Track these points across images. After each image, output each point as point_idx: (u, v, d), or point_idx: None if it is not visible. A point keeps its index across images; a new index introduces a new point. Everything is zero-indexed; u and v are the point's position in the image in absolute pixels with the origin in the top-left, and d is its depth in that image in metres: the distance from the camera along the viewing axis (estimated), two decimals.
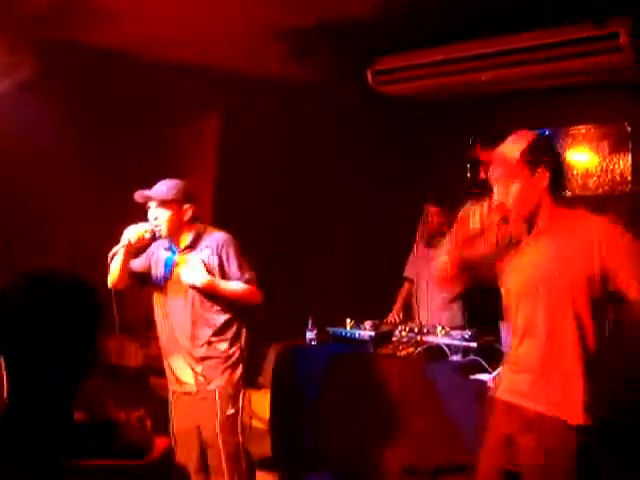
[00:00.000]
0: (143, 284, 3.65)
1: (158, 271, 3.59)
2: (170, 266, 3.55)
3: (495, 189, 2.67)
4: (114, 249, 3.41)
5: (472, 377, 3.95)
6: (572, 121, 5.28)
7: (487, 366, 3.98)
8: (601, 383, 2.58)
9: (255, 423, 5.14)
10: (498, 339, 4.14)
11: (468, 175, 5.63)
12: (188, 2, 4.12)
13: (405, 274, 5.49)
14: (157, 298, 3.62)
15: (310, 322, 4.70)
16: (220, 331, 3.51)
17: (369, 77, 5.14)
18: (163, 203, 3.44)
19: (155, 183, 3.50)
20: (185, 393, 3.58)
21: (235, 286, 3.49)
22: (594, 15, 4.30)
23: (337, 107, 5.51)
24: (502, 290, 2.79)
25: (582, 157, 5.31)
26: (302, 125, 5.41)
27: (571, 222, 2.60)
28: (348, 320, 4.65)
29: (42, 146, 4.63)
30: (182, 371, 3.56)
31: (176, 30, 4.46)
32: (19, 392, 1.39)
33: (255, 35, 4.68)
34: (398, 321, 5.05)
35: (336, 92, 5.49)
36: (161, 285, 3.58)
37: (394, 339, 4.45)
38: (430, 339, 4.31)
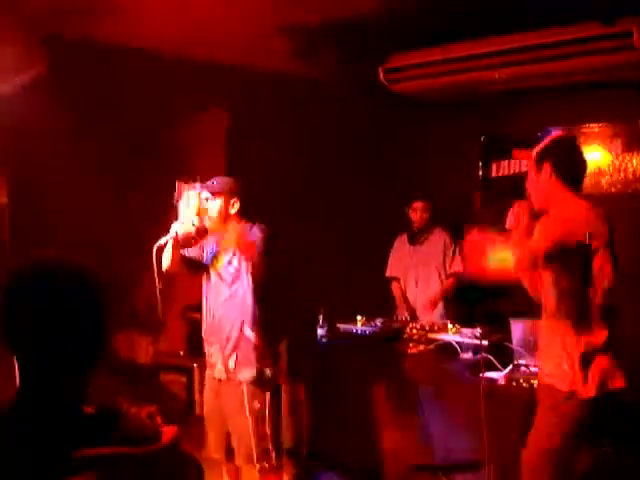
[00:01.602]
0: (196, 271, 3.83)
1: (206, 260, 3.80)
2: (211, 257, 3.77)
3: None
4: (160, 241, 3.58)
5: (483, 375, 3.95)
6: (585, 119, 5.26)
7: (498, 364, 3.98)
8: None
9: None
10: (509, 337, 4.13)
11: (480, 173, 5.62)
12: (195, 1, 4.13)
13: (390, 273, 5.50)
14: (204, 286, 3.83)
15: (321, 319, 4.70)
16: (253, 323, 3.66)
17: (380, 75, 5.13)
18: (214, 194, 3.67)
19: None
20: (215, 378, 3.76)
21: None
22: (607, 13, 4.29)
23: (344, 106, 5.50)
24: None
25: (595, 155, 5.29)
26: (308, 123, 5.42)
27: (566, 209, 2.92)
28: (359, 317, 4.66)
29: (52, 143, 4.64)
30: (215, 357, 3.74)
31: (183, 28, 4.47)
32: (25, 384, 1.40)
33: (264, 33, 4.69)
34: (408, 319, 5.06)
35: (344, 90, 5.49)
36: (207, 273, 3.79)
37: (405, 337, 4.45)
38: (441, 337, 4.31)
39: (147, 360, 5.78)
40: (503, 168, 5.54)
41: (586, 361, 2.87)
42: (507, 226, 3.06)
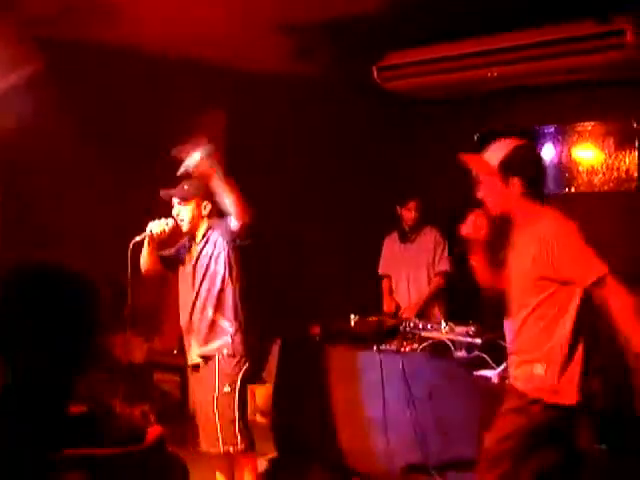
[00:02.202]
0: (171, 269, 3.95)
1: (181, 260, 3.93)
2: (183, 254, 3.89)
3: (479, 191, 2.96)
4: (136, 238, 3.74)
5: (476, 373, 3.96)
6: (578, 117, 5.27)
7: (491, 362, 3.98)
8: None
9: (259, 418, 5.15)
10: (502, 335, 4.14)
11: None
12: (191, 1, 4.12)
13: (382, 271, 5.52)
14: (180, 282, 3.94)
15: (314, 317, 4.71)
16: (221, 309, 3.76)
17: (374, 73, 5.13)
18: (184, 200, 3.78)
19: (164, 180, 3.83)
20: (193, 368, 3.88)
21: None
22: (600, 12, 4.30)
23: (341, 105, 5.50)
24: None
25: (588, 154, 5.30)
26: (306, 122, 5.42)
27: (535, 220, 2.84)
28: (352, 316, 4.65)
29: (48, 142, 4.63)
30: (192, 348, 3.85)
31: (180, 29, 4.47)
32: (12, 383, 1.39)
33: (260, 33, 4.69)
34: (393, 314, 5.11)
35: (341, 89, 5.49)
36: (182, 270, 3.91)
37: (399, 335, 4.45)
38: (434, 335, 4.31)
39: (141, 359, 5.77)
40: None
41: (560, 369, 2.85)
42: (464, 234, 3.04)
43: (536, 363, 2.88)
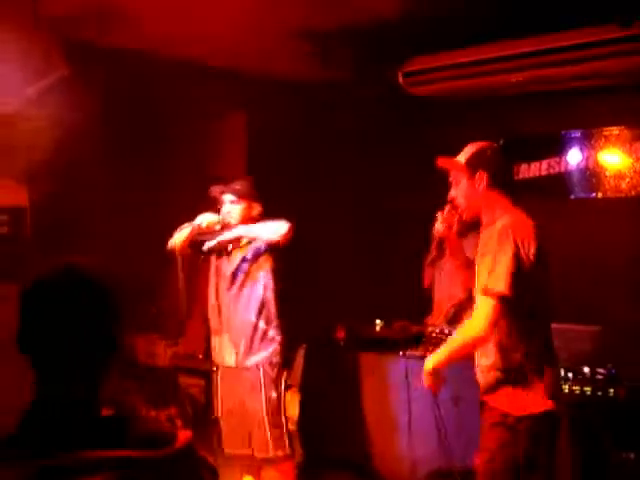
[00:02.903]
0: (201, 254, 3.98)
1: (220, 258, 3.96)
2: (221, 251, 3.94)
3: (450, 193, 3.04)
4: (184, 225, 3.82)
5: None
6: (605, 122, 5.22)
7: None
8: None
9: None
10: None
11: None
12: (215, 4, 4.14)
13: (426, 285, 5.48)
14: (211, 281, 3.99)
15: (339, 323, 4.70)
16: (265, 316, 3.83)
17: (399, 78, 5.12)
18: (238, 198, 3.85)
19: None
20: (227, 368, 3.93)
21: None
22: (624, 16, 4.26)
23: (363, 108, 5.50)
24: None
25: (615, 159, 5.24)
26: (327, 126, 5.43)
27: (497, 219, 2.89)
28: (378, 321, 4.64)
29: (76, 145, 4.68)
30: (226, 347, 3.90)
31: (202, 35, 4.49)
32: (40, 387, 1.41)
33: (283, 37, 4.70)
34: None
35: (364, 93, 5.48)
36: (217, 267, 3.97)
37: (424, 340, 4.44)
38: None
39: (166, 363, 5.80)
40: (523, 171, 5.51)
41: (523, 380, 2.83)
42: (436, 233, 3.16)
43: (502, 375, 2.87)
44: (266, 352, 3.82)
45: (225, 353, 3.92)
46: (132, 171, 5.19)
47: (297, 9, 4.31)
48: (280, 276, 3.91)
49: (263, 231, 3.80)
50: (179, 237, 3.84)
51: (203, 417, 5.05)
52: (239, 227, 3.85)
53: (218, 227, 3.84)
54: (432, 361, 2.93)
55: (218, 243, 3.84)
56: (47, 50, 4.21)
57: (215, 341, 3.99)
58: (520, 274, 2.74)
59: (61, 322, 1.41)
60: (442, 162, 3.05)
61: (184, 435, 1.41)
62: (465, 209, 3.01)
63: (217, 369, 4.06)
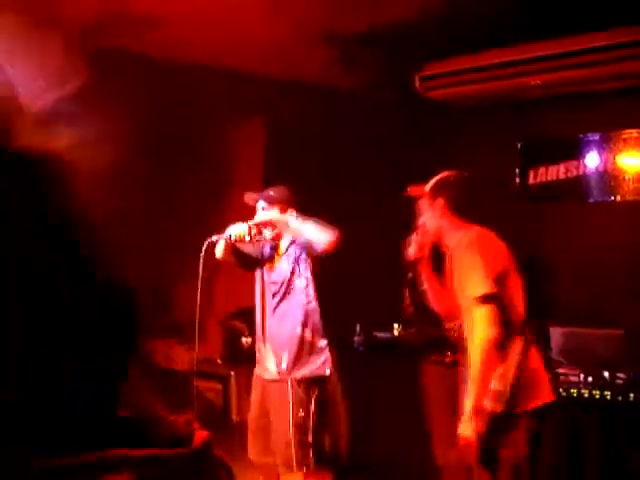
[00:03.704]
0: (246, 265, 3.96)
1: (261, 257, 3.94)
2: (267, 258, 3.90)
3: (421, 217, 3.26)
4: (212, 238, 3.74)
5: None
6: (624, 125, 5.18)
7: None
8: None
9: None
10: (547, 345, 4.09)
11: (517, 180, 5.58)
12: (234, 9, 4.16)
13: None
14: (257, 287, 3.95)
15: (358, 327, 4.70)
16: (311, 326, 3.77)
17: (417, 82, 5.12)
18: (270, 204, 3.81)
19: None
20: (266, 379, 3.84)
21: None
22: None
23: (382, 113, 5.50)
24: None
25: (634, 161, 5.20)
26: (346, 131, 5.43)
27: (459, 242, 3.08)
28: (396, 325, 4.64)
29: (96, 152, 4.71)
30: (268, 357, 3.83)
31: (223, 37, 4.50)
32: (63, 388, 1.43)
33: (302, 42, 4.71)
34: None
35: (381, 98, 5.49)
36: (261, 276, 3.92)
37: (442, 345, 4.42)
38: None
39: (184, 367, 5.82)
40: (541, 175, 5.48)
41: None
42: (409, 256, 3.25)
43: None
44: (315, 365, 3.76)
45: (268, 363, 3.84)
46: (153, 177, 5.22)
47: (317, 13, 4.33)
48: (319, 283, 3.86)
49: (312, 232, 3.71)
50: (219, 248, 3.82)
51: (221, 421, 5.07)
52: (289, 218, 3.79)
53: (247, 238, 3.76)
54: (469, 428, 2.86)
55: (249, 227, 3.75)
56: (67, 57, 4.25)
57: (259, 351, 3.93)
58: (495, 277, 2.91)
59: (82, 326, 1.43)
60: (411, 190, 3.29)
61: (201, 435, 1.42)
62: (431, 236, 3.23)
63: (235, 374, 4.04)
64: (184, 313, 5.88)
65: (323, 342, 3.79)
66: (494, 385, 2.86)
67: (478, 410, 2.82)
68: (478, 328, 2.85)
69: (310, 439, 3.72)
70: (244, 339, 4.98)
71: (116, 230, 4.99)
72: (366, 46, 4.89)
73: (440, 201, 3.18)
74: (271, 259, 3.89)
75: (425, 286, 3.29)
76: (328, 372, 3.76)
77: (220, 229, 3.86)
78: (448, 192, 3.20)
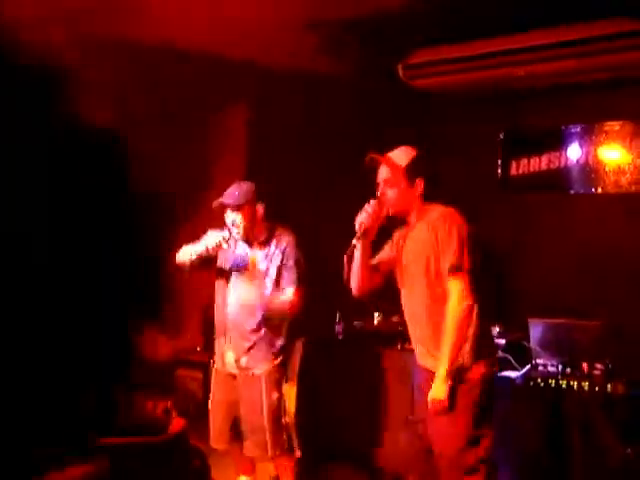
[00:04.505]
0: (204, 267, 3.93)
1: (227, 260, 3.91)
2: (244, 259, 3.86)
3: (381, 189, 3.25)
4: (194, 248, 3.77)
5: (500, 374, 3.93)
6: (606, 117, 5.19)
7: (515, 363, 3.95)
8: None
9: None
10: (527, 336, 4.11)
11: (499, 171, 5.58)
12: None
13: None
14: (219, 284, 3.95)
15: (338, 316, 4.70)
16: (265, 319, 3.80)
17: (400, 71, 5.11)
18: (238, 207, 3.79)
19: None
20: (228, 374, 3.87)
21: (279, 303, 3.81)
22: (630, 10, 4.24)
23: (365, 101, 5.48)
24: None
25: (615, 154, 5.22)
26: (331, 119, 5.41)
27: (427, 214, 3.18)
28: (376, 314, 4.65)
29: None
30: (228, 353, 3.86)
31: (206, 26, 4.47)
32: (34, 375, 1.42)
33: (286, 28, 4.68)
34: None
35: (365, 85, 5.47)
36: (226, 273, 3.91)
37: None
38: None
39: (167, 357, 5.81)
40: (523, 166, 5.49)
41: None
42: (359, 223, 3.17)
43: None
44: (269, 353, 3.80)
45: (226, 355, 3.87)
46: (136, 165, 5.17)
47: (300, 1, 4.30)
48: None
49: (274, 303, 3.79)
50: (185, 255, 3.81)
51: (201, 409, 5.06)
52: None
53: (225, 246, 3.79)
54: (443, 390, 2.98)
55: (223, 238, 3.79)
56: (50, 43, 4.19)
57: (219, 344, 3.94)
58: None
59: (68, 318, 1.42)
60: (381, 160, 3.27)
61: (177, 423, 1.41)
62: (396, 209, 3.23)
63: (214, 364, 4.04)
64: (165, 303, 5.86)
65: (281, 341, 3.84)
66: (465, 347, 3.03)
67: (451, 373, 2.96)
68: (455, 297, 3.00)
69: (284, 422, 3.80)
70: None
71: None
72: (351, 33, 4.86)
73: (420, 182, 3.20)
74: (241, 267, 3.87)
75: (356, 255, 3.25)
76: (278, 361, 3.81)
77: (204, 219, 3.87)
78: (425, 172, 3.24)
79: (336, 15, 4.57)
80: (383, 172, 3.26)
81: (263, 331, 3.79)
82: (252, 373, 3.78)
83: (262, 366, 3.78)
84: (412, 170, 3.21)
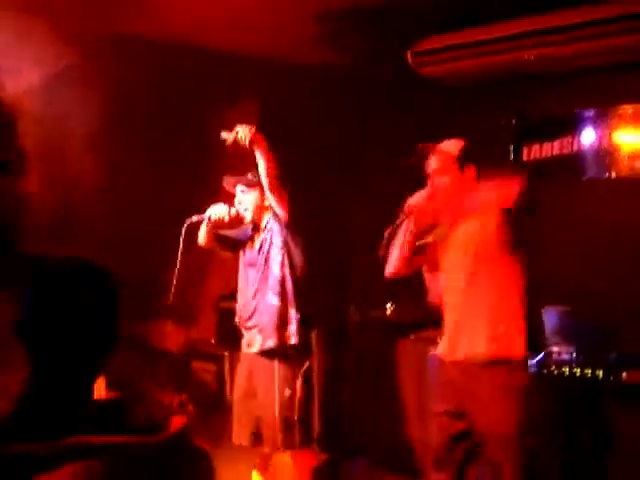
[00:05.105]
0: (230, 249, 4.03)
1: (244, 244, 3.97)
2: (245, 241, 3.94)
3: (432, 179, 3.30)
4: (193, 218, 3.83)
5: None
6: (620, 100, 5.12)
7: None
8: None
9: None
10: (540, 324, 4.08)
11: (511, 157, 5.52)
12: None
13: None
14: (240, 269, 4.00)
15: (352, 307, 4.69)
16: (280, 292, 3.80)
17: (409, 58, 5.06)
18: (249, 187, 3.85)
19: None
20: (253, 355, 3.87)
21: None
22: None
23: (374, 92, 5.44)
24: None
25: (630, 138, 5.13)
26: (339, 110, 5.38)
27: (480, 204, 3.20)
28: (389, 305, 4.62)
29: (86, 134, 4.68)
30: (251, 335, 3.87)
31: (212, 19, 4.47)
32: (37, 373, 1.41)
33: (292, 19, 4.66)
34: None
35: (373, 76, 5.43)
36: (243, 257, 3.98)
37: (435, 323, 4.41)
38: None
39: (179, 349, 5.82)
40: (535, 151, 5.43)
41: None
42: (408, 205, 3.28)
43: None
44: (283, 335, 3.78)
45: (252, 340, 3.87)
46: (145, 161, 5.18)
47: None
48: (297, 252, 3.87)
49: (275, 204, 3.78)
50: (201, 234, 3.88)
51: (215, 401, 5.07)
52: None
53: (227, 219, 3.82)
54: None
55: (228, 208, 3.84)
56: (56, 38, 4.20)
57: (244, 330, 3.95)
58: None
59: (58, 310, 1.41)
60: (433, 150, 3.31)
61: (178, 421, 1.39)
62: (448, 197, 3.27)
63: (229, 354, 4.06)
64: (178, 295, 5.87)
65: (295, 313, 3.81)
66: None
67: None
68: (518, 277, 3.17)
69: (296, 418, 3.75)
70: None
71: (110, 214, 4.97)
72: (359, 22, 4.83)
73: (472, 169, 3.26)
74: (252, 239, 3.93)
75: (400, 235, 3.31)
76: (293, 341, 3.77)
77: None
78: (474, 161, 3.30)
79: (344, 3, 4.54)
80: (433, 162, 3.32)
81: (276, 311, 3.78)
82: (267, 353, 3.77)
83: (271, 340, 3.77)
84: (463, 158, 3.27)
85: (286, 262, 3.79)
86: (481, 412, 3.05)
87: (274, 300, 3.77)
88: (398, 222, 3.24)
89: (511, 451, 3.01)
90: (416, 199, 3.26)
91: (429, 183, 3.29)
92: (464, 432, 3.12)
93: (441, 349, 3.29)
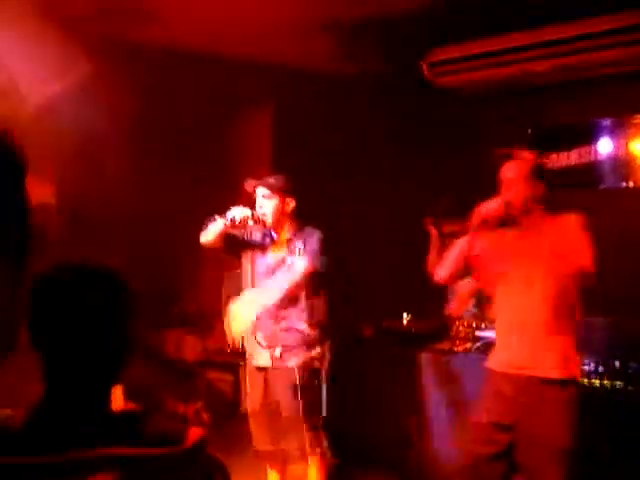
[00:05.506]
0: (234, 251, 3.95)
1: (252, 234, 3.93)
2: (258, 245, 3.89)
3: (504, 187, 3.26)
4: (216, 218, 3.73)
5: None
6: (634, 110, 5.10)
7: None
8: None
9: None
10: None
11: None
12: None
13: None
14: (247, 275, 3.94)
15: (367, 317, 4.68)
16: (302, 313, 3.77)
17: (424, 69, 5.06)
18: (272, 190, 3.78)
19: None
20: (260, 368, 3.83)
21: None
22: None
23: (388, 101, 5.45)
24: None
25: None
26: (353, 119, 5.39)
27: (551, 219, 3.23)
28: (405, 314, 4.61)
29: (102, 145, 4.71)
30: (259, 348, 3.82)
31: (227, 27, 4.49)
32: (50, 383, 1.41)
33: (308, 29, 4.68)
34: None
35: (388, 84, 5.44)
36: (252, 265, 3.91)
37: (452, 334, 4.40)
38: (488, 334, 4.24)
39: (195, 358, 5.83)
40: (552, 161, 5.41)
41: None
42: (478, 213, 3.22)
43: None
44: (309, 353, 3.76)
45: (257, 352, 3.84)
46: (159, 168, 5.21)
47: (323, 1, 4.29)
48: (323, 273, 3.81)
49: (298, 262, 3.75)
50: (212, 231, 3.77)
51: (231, 411, 5.07)
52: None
53: (251, 222, 3.75)
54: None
55: (252, 212, 3.77)
56: (70, 47, 4.23)
57: (249, 339, 3.91)
58: None
59: (73, 318, 1.41)
60: (516, 155, 3.32)
61: (195, 433, 1.39)
62: (519, 208, 3.22)
63: (245, 365, 4.03)
64: (194, 304, 5.89)
65: (317, 334, 3.78)
66: None
67: None
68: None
69: (321, 422, 3.75)
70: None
71: (126, 225, 5.00)
72: (374, 33, 4.84)
73: (541, 185, 3.26)
74: (268, 245, 3.88)
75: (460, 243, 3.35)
76: (317, 365, 3.76)
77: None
78: (547, 178, 3.32)
79: (358, 13, 4.55)
80: (509, 171, 3.29)
81: (295, 320, 3.76)
82: (286, 365, 3.73)
83: (296, 359, 3.73)
84: (536, 172, 3.27)
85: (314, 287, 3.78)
86: (538, 426, 3.03)
87: (300, 325, 3.75)
88: (466, 227, 3.25)
89: (563, 465, 3.00)
90: (486, 207, 3.21)
91: (503, 190, 3.26)
92: (509, 445, 3.09)
93: (494, 362, 3.26)
